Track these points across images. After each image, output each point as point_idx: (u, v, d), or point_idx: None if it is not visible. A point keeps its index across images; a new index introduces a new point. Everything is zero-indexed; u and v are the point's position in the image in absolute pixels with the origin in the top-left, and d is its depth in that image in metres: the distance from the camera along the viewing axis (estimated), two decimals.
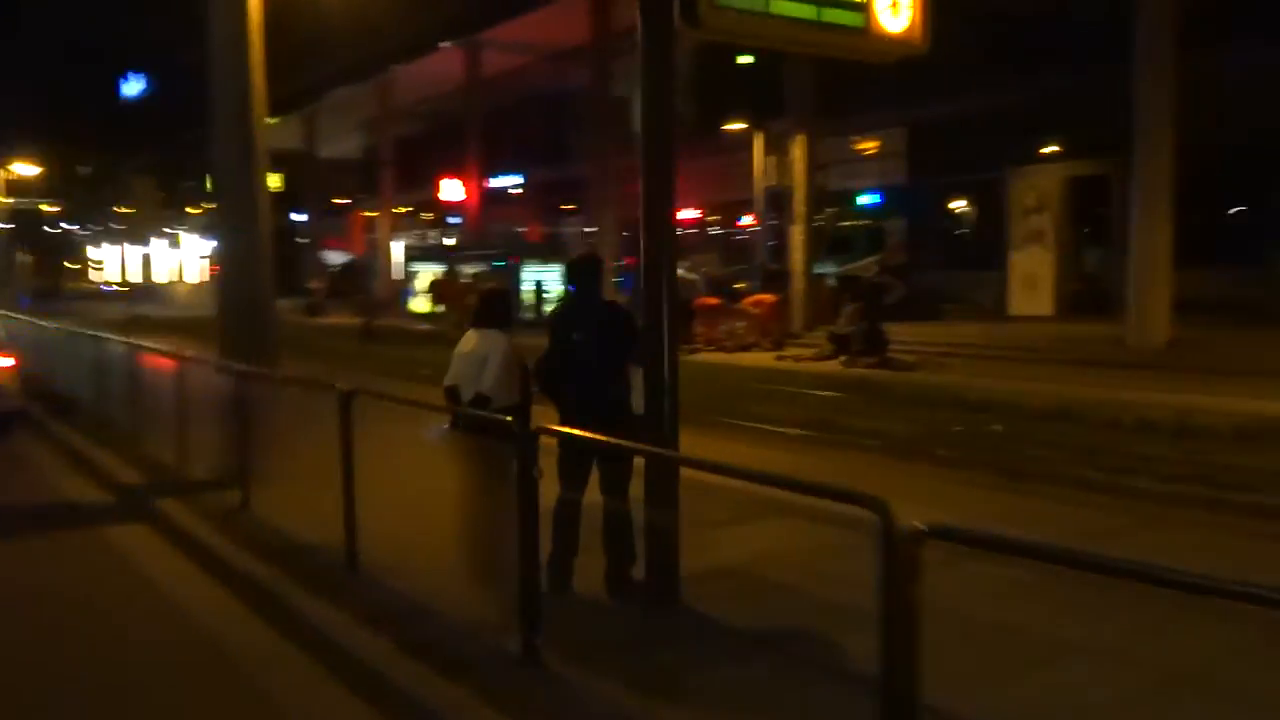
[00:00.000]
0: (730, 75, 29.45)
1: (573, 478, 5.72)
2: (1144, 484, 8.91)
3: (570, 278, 6.24)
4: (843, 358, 18.86)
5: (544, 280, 29.03)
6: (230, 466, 8.40)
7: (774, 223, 26.24)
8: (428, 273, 33.30)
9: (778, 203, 25.48)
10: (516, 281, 28.56)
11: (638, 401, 5.44)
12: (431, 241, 41.92)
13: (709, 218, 30.74)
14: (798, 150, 23.90)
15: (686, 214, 31.18)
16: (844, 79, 24.57)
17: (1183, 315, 18.19)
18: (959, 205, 24.98)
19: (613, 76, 30.01)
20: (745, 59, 29.36)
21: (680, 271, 21.92)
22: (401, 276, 39.48)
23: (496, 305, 6.34)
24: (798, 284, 23.78)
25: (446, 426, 6.00)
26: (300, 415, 7.73)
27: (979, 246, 24.32)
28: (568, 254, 32.69)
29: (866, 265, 25.73)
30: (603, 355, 5.80)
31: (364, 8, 29.96)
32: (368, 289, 38.21)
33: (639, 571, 5.60)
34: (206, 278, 52.30)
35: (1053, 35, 21.95)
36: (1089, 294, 22.08)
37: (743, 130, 24.63)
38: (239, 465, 8.14)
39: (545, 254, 30.60)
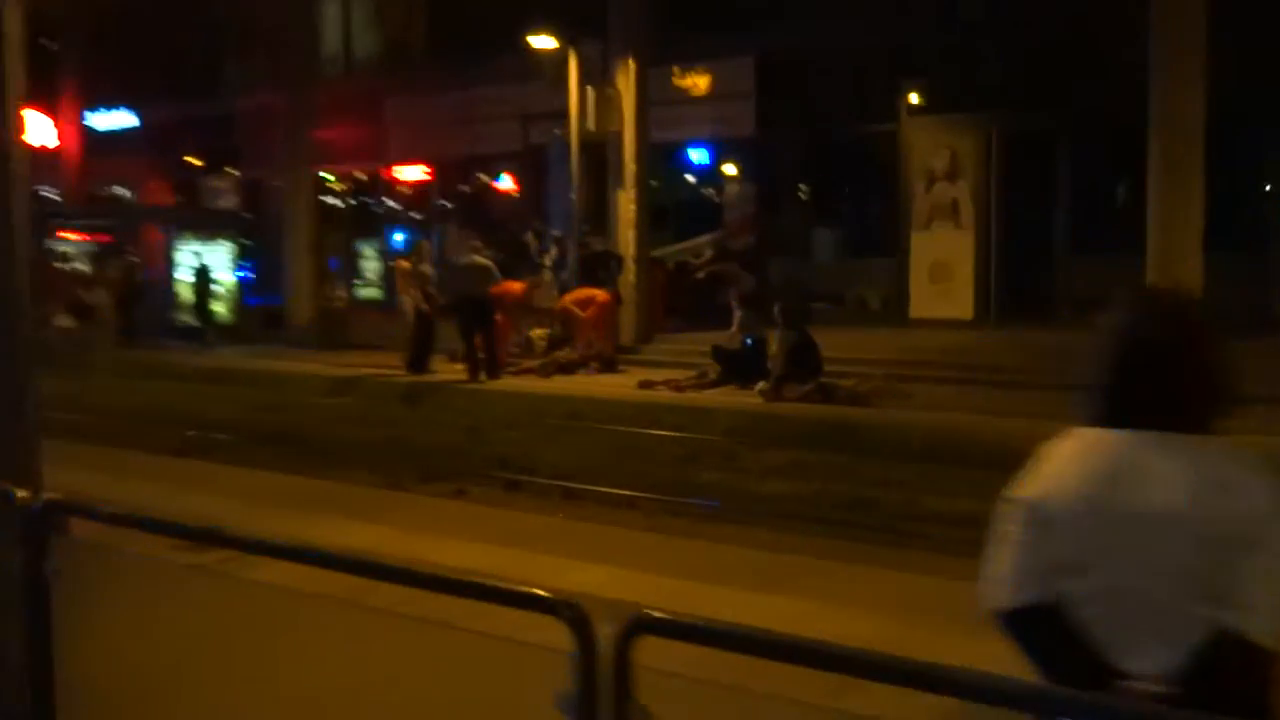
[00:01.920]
0: None
1: None
2: None
3: None
4: (762, 385, 12.43)
5: (210, 265, 19.44)
6: None
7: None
8: None
9: (564, 156, 17.84)
10: (170, 270, 18.83)
11: None
12: None
13: (443, 179, 22.38)
14: (625, 81, 16.45)
15: (408, 173, 22.57)
16: None
17: None
18: (832, 168, 18.68)
19: None
20: None
21: (476, 258, 13.92)
22: None
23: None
24: (628, 275, 16.49)
25: None
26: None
27: (862, 225, 18.13)
28: (232, 224, 23.07)
29: (696, 247, 18.91)
30: None
31: None
32: None
33: None
34: None
35: None
36: (1022, 292, 16.54)
37: (536, 53, 16.68)
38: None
39: (209, 226, 20.76)
